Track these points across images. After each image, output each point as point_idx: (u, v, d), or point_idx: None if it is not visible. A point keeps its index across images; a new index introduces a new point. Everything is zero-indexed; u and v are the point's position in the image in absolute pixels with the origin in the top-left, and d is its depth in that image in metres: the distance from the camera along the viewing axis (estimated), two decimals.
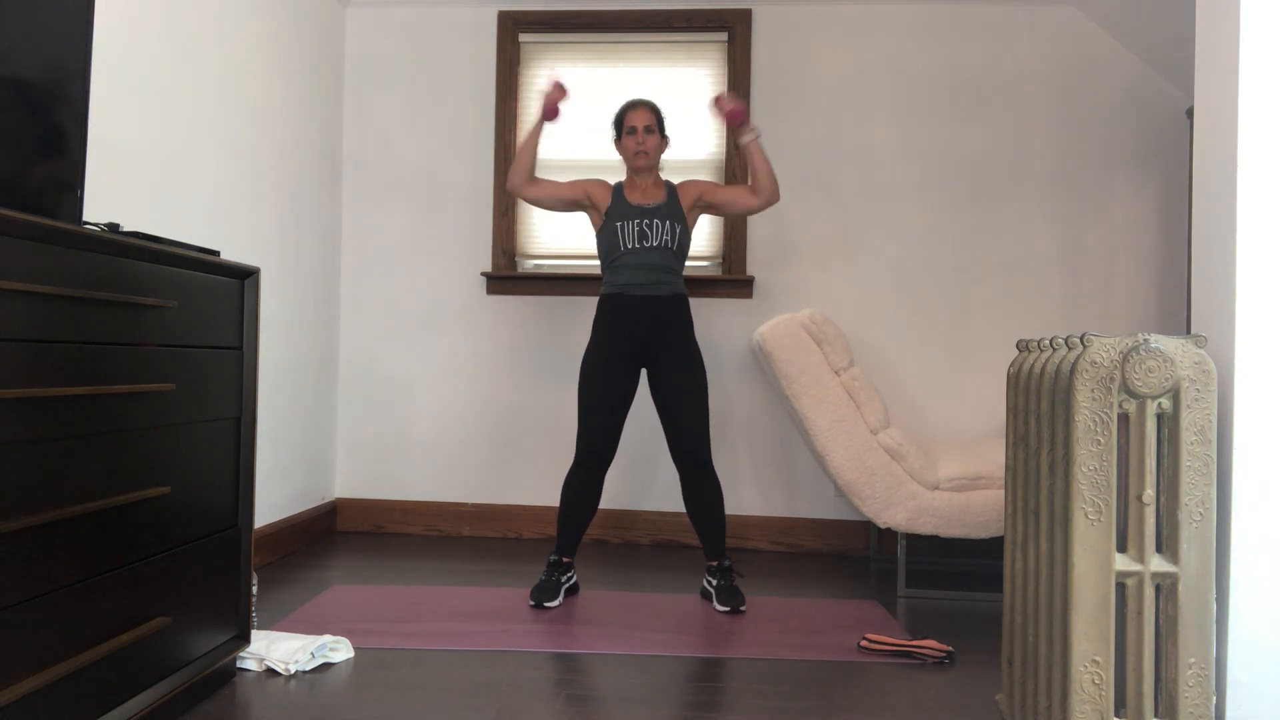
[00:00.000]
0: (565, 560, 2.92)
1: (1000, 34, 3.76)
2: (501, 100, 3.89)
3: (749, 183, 2.96)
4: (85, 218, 2.26)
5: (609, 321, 2.90)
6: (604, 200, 2.97)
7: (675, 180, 3.10)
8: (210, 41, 2.92)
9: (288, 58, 3.45)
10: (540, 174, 3.88)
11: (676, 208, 2.93)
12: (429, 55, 3.95)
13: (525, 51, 3.93)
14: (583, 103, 3.88)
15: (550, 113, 2.92)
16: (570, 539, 2.92)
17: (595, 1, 3.85)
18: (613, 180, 3.09)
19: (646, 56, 3.88)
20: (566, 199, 2.99)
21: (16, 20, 1.60)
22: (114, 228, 1.78)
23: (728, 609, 2.77)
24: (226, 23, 3.02)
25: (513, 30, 3.90)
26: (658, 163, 2.99)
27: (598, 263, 3.84)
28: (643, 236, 2.88)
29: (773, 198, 2.91)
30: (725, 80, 3.84)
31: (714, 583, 2.87)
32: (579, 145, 3.88)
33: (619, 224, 2.90)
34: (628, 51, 3.89)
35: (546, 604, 2.80)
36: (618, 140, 3.00)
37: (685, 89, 3.85)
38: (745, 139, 2.90)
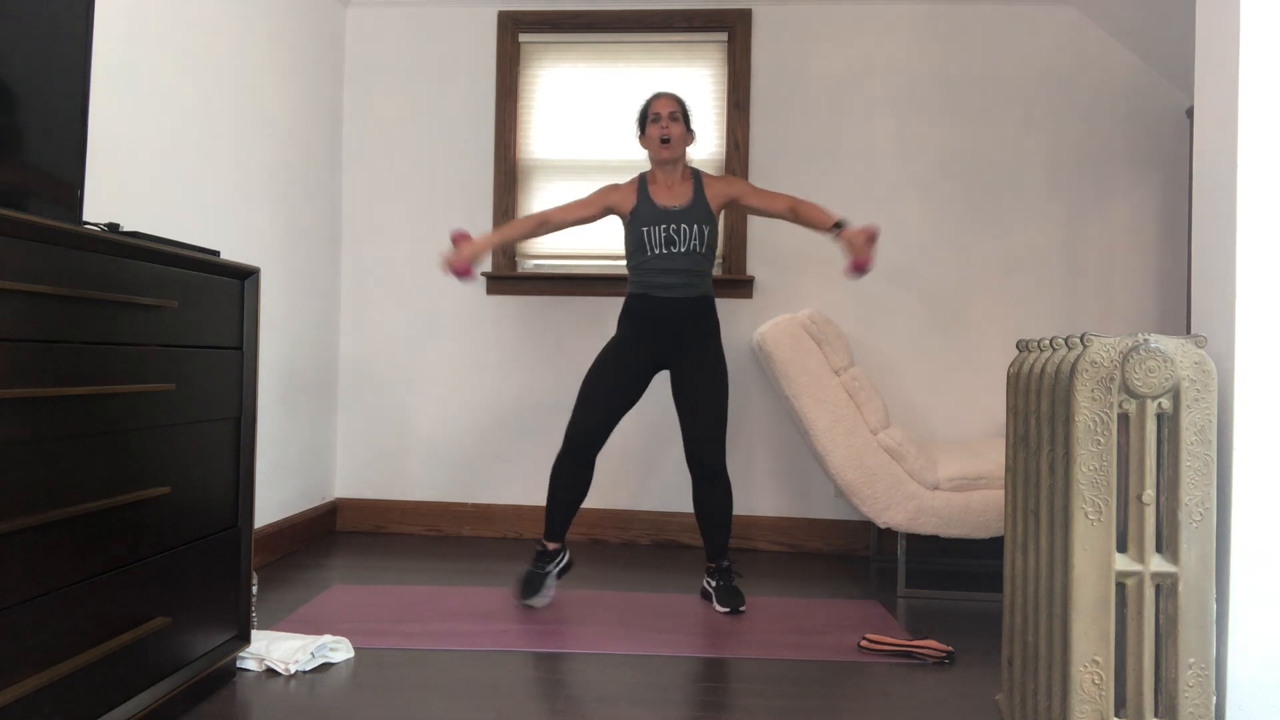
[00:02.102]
0: (553, 547, 2.88)
1: (1000, 34, 3.76)
2: (501, 100, 3.89)
3: (795, 210, 2.85)
4: (85, 218, 2.26)
5: (635, 320, 2.86)
6: (627, 202, 2.89)
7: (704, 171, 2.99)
8: (210, 41, 2.92)
9: (288, 58, 3.45)
10: (543, 174, 3.89)
11: (703, 206, 2.86)
12: (429, 55, 3.95)
13: (525, 51, 3.93)
14: (582, 103, 3.88)
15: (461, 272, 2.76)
16: (560, 525, 2.87)
17: (595, 1, 3.85)
18: (625, 178, 3.01)
19: (646, 56, 3.88)
20: (585, 219, 2.92)
21: (16, 19, 1.60)
22: (114, 228, 1.78)
23: (728, 609, 2.77)
24: (226, 22, 3.02)
25: (513, 30, 3.90)
26: (682, 154, 2.89)
27: (599, 262, 3.85)
28: (670, 242, 2.82)
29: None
30: (725, 80, 3.84)
31: (714, 583, 2.87)
32: (579, 145, 3.88)
33: (645, 229, 2.83)
34: (628, 51, 3.89)
35: (531, 602, 2.78)
36: (641, 134, 2.92)
37: (685, 89, 3.84)
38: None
